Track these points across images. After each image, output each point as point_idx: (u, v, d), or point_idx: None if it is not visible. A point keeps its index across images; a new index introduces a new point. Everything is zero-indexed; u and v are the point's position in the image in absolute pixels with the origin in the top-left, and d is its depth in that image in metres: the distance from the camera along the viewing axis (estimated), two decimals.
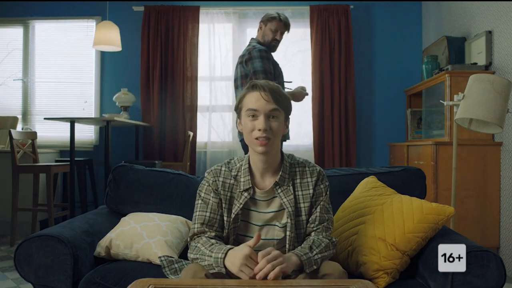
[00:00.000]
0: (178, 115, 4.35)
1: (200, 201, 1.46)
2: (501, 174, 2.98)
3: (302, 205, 1.44)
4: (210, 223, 1.42)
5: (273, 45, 2.95)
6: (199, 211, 1.44)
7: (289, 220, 1.41)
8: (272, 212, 1.44)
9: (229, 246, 1.31)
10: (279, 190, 1.42)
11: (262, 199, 1.44)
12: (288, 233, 1.41)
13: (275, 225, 1.44)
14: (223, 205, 1.43)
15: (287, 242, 1.41)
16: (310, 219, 1.43)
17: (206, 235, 1.40)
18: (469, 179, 2.98)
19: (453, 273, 1.34)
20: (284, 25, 2.94)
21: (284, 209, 1.42)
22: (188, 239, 1.44)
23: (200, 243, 1.37)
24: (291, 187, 1.43)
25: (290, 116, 1.48)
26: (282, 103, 1.40)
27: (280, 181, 1.42)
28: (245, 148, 2.75)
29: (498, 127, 2.28)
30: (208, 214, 1.43)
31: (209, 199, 1.44)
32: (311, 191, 1.44)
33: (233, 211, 1.42)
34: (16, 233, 3.57)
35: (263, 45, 2.90)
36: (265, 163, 1.42)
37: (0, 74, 4.61)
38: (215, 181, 1.45)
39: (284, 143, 3.00)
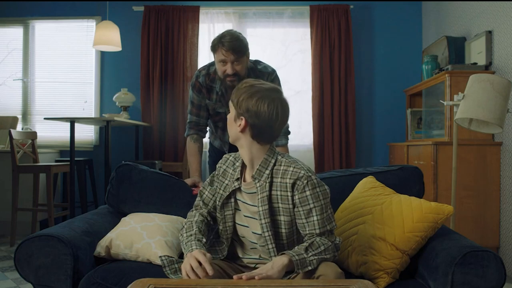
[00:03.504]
0: (178, 115, 4.35)
1: (208, 179, 1.58)
2: (501, 174, 2.98)
3: (280, 205, 1.41)
4: (205, 201, 1.56)
5: (229, 81, 2.11)
6: (203, 187, 1.59)
7: (259, 219, 1.40)
8: (255, 206, 1.44)
9: (194, 247, 1.36)
10: (258, 185, 1.42)
11: (246, 191, 1.46)
12: (260, 231, 1.41)
13: (256, 219, 1.44)
14: (218, 190, 1.52)
15: (266, 241, 1.41)
16: (308, 231, 1.38)
17: (200, 212, 1.54)
18: (469, 179, 2.98)
19: (453, 273, 1.34)
20: (232, 51, 2.03)
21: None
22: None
23: (186, 226, 1.49)
24: (267, 185, 1.41)
25: (246, 116, 1.37)
26: (233, 101, 1.43)
27: (257, 175, 1.42)
28: (212, 153, 2.61)
29: (498, 127, 2.28)
30: (206, 193, 1.57)
31: (214, 181, 1.56)
32: (289, 193, 1.39)
33: (224, 195, 1.48)
34: (16, 233, 3.58)
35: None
36: (244, 157, 1.45)
37: (0, 74, 4.62)
38: (220, 167, 1.55)
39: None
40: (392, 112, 4.42)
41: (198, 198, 1.59)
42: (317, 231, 1.37)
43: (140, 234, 1.68)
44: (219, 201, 1.50)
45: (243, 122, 1.39)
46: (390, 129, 4.42)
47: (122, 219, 1.82)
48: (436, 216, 1.52)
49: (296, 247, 1.36)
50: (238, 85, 1.44)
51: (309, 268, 1.31)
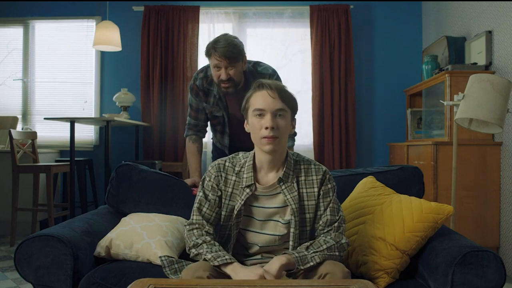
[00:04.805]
0: (178, 115, 4.35)
1: (201, 194, 1.49)
2: (501, 174, 2.98)
3: (306, 202, 1.44)
4: (205, 218, 1.46)
5: (224, 87, 2.06)
6: (198, 203, 1.48)
7: (293, 218, 1.41)
8: (274, 208, 1.44)
9: (232, 258, 1.34)
10: (283, 187, 1.43)
11: (264, 194, 1.44)
12: (292, 230, 1.42)
13: (277, 221, 1.44)
14: (223, 200, 1.46)
15: (291, 239, 1.42)
16: (321, 222, 1.43)
17: (205, 230, 1.43)
18: (469, 179, 2.97)
19: (453, 273, 1.34)
20: (225, 57, 1.97)
21: (287, 205, 1.43)
22: (185, 225, 1.46)
23: (205, 243, 1.38)
24: (295, 184, 1.43)
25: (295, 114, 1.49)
26: (288, 101, 1.42)
27: (284, 177, 1.43)
28: (214, 153, 2.52)
29: (498, 127, 2.28)
30: (205, 209, 1.46)
31: (209, 195, 1.47)
32: (316, 189, 1.45)
33: (235, 207, 1.43)
34: (16, 233, 3.57)
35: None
36: (271, 162, 1.44)
37: (0, 74, 4.61)
38: (217, 176, 1.47)
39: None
40: (392, 112, 4.41)
41: (197, 217, 1.45)
42: (329, 217, 1.42)
43: (140, 234, 1.68)
44: (227, 211, 1.45)
45: (295, 121, 1.49)
46: (390, 129, 4.42)
47: (122, 219, 1.82)
48: (436, 216, 1.52)
49: (298, 247, 1.37)
50: (277, 85, 1.42)
51: (311, 263, 1.31)
